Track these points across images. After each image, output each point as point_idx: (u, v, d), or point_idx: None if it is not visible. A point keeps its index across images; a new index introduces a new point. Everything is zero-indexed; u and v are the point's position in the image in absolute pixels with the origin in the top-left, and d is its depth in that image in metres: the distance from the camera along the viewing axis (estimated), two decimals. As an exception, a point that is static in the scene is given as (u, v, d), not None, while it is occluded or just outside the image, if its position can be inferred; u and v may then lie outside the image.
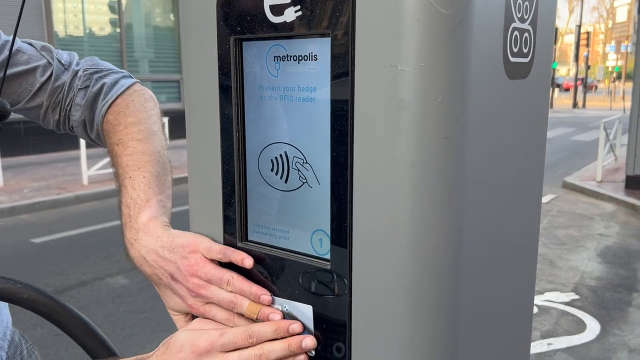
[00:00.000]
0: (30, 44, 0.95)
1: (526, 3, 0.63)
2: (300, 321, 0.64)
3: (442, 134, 0.53)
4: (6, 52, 0.88)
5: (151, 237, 0.75)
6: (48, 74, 0.94)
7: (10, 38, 0.89)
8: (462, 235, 0.55)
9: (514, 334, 0.72)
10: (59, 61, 0.96)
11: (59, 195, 7.58)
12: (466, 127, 0.54)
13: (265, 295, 0.66)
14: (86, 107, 0.96)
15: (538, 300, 4.17)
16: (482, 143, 0.56)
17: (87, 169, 8.24)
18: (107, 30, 14.14)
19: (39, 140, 10.39)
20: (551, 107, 25.78)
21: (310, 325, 0.63)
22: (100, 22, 14.11)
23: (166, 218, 0.79)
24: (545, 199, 7.62)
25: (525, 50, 0.65)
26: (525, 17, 0.64)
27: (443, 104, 0.52)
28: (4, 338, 1.07)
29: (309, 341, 0.63)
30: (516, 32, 0.62)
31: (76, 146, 8.64)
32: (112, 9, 14.00)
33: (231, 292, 0.66)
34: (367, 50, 0.54)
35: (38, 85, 0.94)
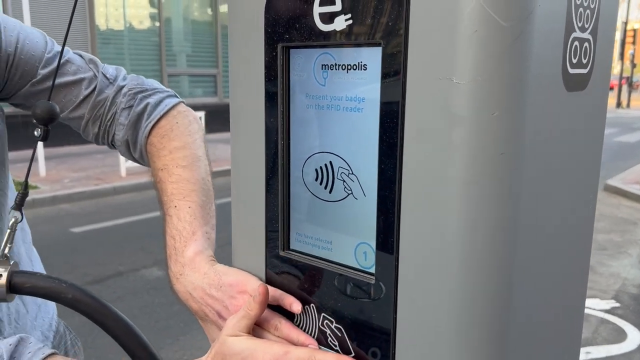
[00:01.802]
0: (80, 56, 0.96)
1: (587, 11, 0.60)
2: None
3: (498, 151, 0.50)
4: (56, 63, 0.89)
5: (198, 273, 0.74)
6: (92, 87, 0.95)
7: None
8: (515, 256, 0.53)
9: (562, 357, 0.69)
10: (104, 75, 0.96)
11: (98, 186, 7.77)
12: (523, 143, 0.51)
13: (312, 344, 0.64)
14: (129, 126, 0.96)
15: (576, 306, 4.06)
16: (540, 160, 0.54)
17: (125, 161, 8.41)
18: (147, 24, 14.35)
19: (80, 131, 10.66)
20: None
21: None
22: (140, 15, 14.31)
23: (211, 251, 0.79)
24: (585, 202, 7.39)
25: (584, 61, 0.62)
26: (586, 26, 0.61)
27: (499, 120, 0.50)
28: (50, 329, 1.10)
29: None
30: (576, 42, 0.59)
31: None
32: (151, 3, 14.20)
33: (278, 337, 0.65)
34: (420, 62, 0.52)
35: (82, 97, 0.94)
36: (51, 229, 5.92)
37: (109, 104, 0.97)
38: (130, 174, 8.42)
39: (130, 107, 0.97)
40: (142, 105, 0.97)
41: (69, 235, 5.79)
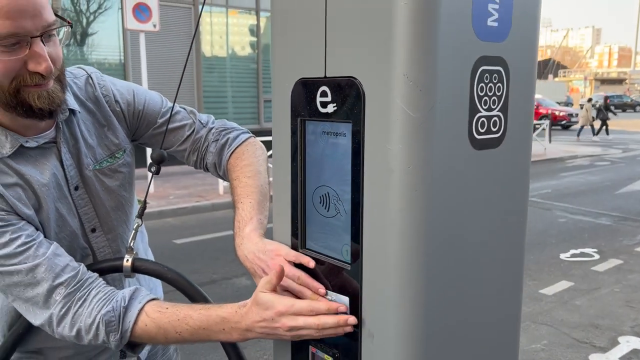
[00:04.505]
0: (183, 108, 1.41)
1: (494, 98, 0.92)
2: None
3: (414, 189, 0.84)
4: (170, 115, 1.35)
5: (251, 243, 1.13)
6: (192, 129, 1.40)
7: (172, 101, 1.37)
8: (429, 249, 0.86)
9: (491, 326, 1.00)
10: (200, 121, 1.41)
11: (198, 203, 8.53)
12: (431, 186, 0.85)
13: (321, 289, 1.00)
14: (216, 154, 1.40)
15: None
16: (445, 194, 0.87)
17: (223, 180, 9.12)
18: (247, 51, 15.21)
19: (185, 152, 11.67)
20: None
21: (348, 310, 0.97)
22: (241, 42, 15.17)
23: (262, 230, 1.17)
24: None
25: (494, 129, 0.94)
26: (493, 107, 0.93)
27: (413, 170, 0.84)
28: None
29: (352, 319, 0.95)
30: (483, 119, 0.91)
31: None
32: (251, 31, 15.08)
33: (300, 284, 1.02)
34: (371, 133, 0.87)
35: (185, 137, 1.39)
36: (157, 240, 6.65)
37: (203, 140, 1.41)
38: (227, 192, 9.11)
39: (217, 140, 1.41)
40: (224, 140, 1.41)
41: (172, 246, 6.50)
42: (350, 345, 0.96)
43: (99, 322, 1.10)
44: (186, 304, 1.13)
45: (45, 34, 1.05)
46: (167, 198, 8.76)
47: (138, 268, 1.22)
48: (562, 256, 6.34)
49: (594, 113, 21.84)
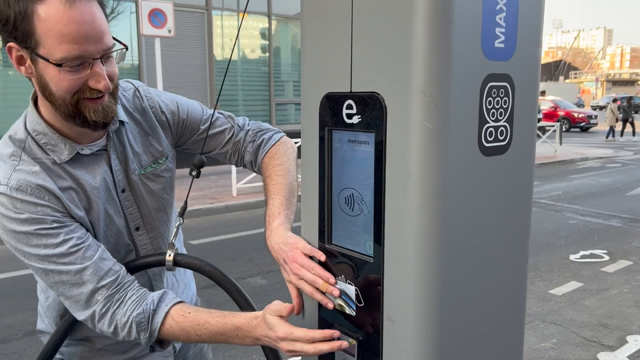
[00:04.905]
0: (221, 114, 1.56)
1: (500, 110, 1.04)
2: (348, 295, 1.10)
3: (430, 190, 0.96)
4: (209, 121, 1.51)
5: (277, 235, 1.26)
6: (231, 133, 1.56)
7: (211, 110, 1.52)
8: (445, 244, 0.98)
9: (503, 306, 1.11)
10: (237, 124, 1.57)
11: (212, 205, 8.68)
12: (445, 188, 0.97)
13: (331, 278, 1.13)
14: (252, 153, 1.56)
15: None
16: (460, 194, 0.99)
17: (237, 183, 9.27)
18: (257, 54, 15.34)
19: (198, 154, 11.88)
20: None
21: (354, 297, 1.09)
22: (252, 45, 15.29)
23: (288, 225, 1.31)
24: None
25: (501, 137, 1.05)
26: (500, 118, 1.05)
27: (430, 174, 0.96)
28: (191, 301, 1.67)
29: (345, 345, 1.09)
30: (491, 129, 1.03)
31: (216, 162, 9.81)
32: (262, 35, 15.23)
33: (314, 274, 1.14)
34: (391, 141, 0.99)
35: (225, 140, 1.56)
36: (173, 241, 6.80)
37: (242, 142, 1.57)
38: (241, 194, 9.28)
39: (253, 141, 1.57)
40: (260, 140, 1.57)
41: (188, 247, 6.60)
42: (372, 327, 1.08)
43: (132, 322, 1.24)
44: (206, 309, 1.28)
45: (105, 56, 1.19)
46: (181, 200, 8.91)
47: (179, 262, 1.36)
48: (572, 257, 6.42)
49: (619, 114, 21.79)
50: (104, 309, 1.25)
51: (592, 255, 6.50)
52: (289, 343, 1.12)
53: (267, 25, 14.72)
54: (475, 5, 0.96)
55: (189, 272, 1.69)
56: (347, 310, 1.12)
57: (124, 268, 1.31)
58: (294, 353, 1.13)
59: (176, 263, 1.36)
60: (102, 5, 1.21)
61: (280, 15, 14.91)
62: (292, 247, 1.19)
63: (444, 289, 1.01)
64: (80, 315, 1.27)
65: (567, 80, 72.58)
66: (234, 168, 9.19)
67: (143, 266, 1.34)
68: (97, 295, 1.25)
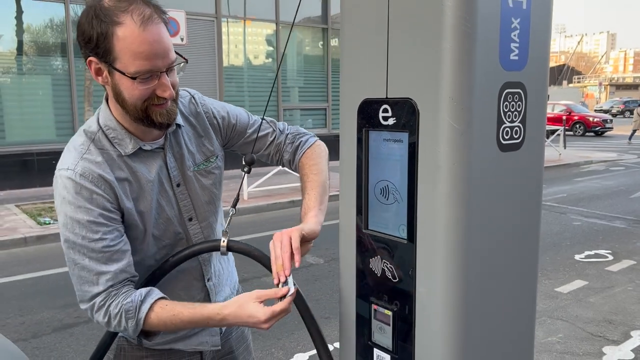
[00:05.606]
0: (264, 119, 1.74)
1: (515, 113, 1.22)
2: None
3: (456, 181, 1.14)
4: (256, 126, 1.71)
5: (307, 224, 1.48)
6: (273, 136, 1.76)
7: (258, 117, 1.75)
8: (470, 234, 1.16)
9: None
10: (278, 129, 1.77)
11: (224, 208, 8.84)
12: (469, 179, 1.15)
13: (287, 271, 1.40)
14: (291, 154, 1.76)
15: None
16: (480, 189, 1.17)
17: (247, 186, 9.46)
18: (263, 60, 15.53)
19: (207, 159, 12.07)
20: None
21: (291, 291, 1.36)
22: (258, 51, 15.46)
23: (321, 217, 1.51)
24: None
25: (516, 136, 1.23)
26: (515, 119, 1.23)
27: (456, 166, 1.14)
28: (234, 288, 1.85)
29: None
30: (507, 129, 1.21)
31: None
32: (268, 41, 15.42)
33: (281, 256, 1.38)
34: (423, 139, 1.18)
35: (268, 143, 1.76)
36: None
37: (282, 144, 1.77)
38: (252, 197, 9.46)
39: (292, 143, 1.77)
40: (297, 143, 1.78)
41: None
42: (406, 299, 1.26)
43: (122, 311, 1.41)
44: (182, 302, 1.46)
45: (169, 69, 1.38)
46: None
47: (231, 247, 1.54)
48: (577, 257, 6.58)
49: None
50: (102, 303, 1.42)
51: (596, 255, 6.66)
52: (273, 320, 1.38)
53: (274, 31, 14.93)
54: (493, 25, 1.14)
55: (232, 263, 1.87)
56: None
57: (132, 282, 1.47)
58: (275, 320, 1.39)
59: (229, 248, 1.54)
60: (167, 25, 1.40)
61: (287, 22, 15.11)
62: (294, 230, 1.41)
63: (469, 266, 1.18)
64: (82, 305, 1.45)
65: (571, 85, 72.67)
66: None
67: (199, 251, 1.52)
68: (101, 294, 1.42)
